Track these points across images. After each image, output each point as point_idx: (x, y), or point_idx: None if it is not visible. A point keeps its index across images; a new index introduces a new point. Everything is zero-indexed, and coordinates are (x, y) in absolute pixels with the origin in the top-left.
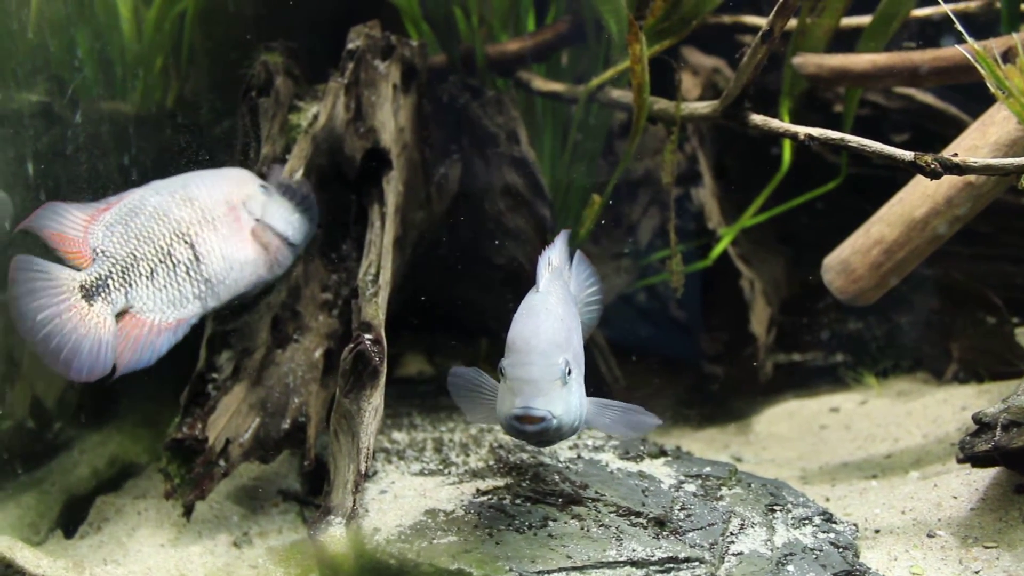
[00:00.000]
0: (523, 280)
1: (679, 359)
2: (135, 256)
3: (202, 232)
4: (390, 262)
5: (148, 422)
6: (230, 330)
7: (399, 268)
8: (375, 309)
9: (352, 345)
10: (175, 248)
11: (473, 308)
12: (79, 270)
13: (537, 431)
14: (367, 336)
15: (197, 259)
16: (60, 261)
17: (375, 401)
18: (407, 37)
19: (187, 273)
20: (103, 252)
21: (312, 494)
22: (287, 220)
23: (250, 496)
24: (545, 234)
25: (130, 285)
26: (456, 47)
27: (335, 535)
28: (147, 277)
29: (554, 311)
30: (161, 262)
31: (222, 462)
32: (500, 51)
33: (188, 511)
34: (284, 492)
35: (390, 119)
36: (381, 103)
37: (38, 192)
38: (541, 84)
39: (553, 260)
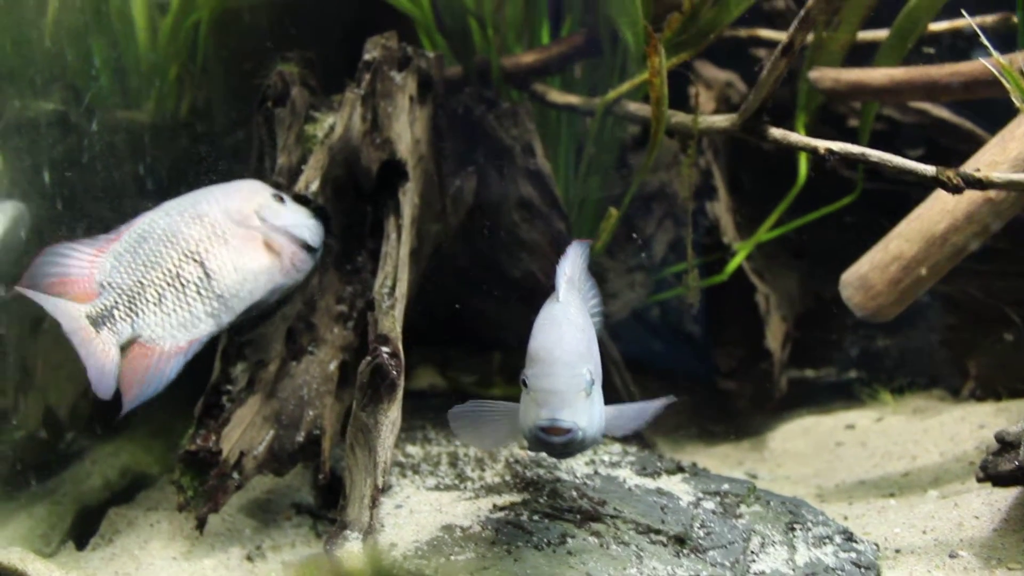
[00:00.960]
0: (538, 293)
1: (693, 374)
2: (141, 284)
3: (212, 248)
4: (406, 274)
5: (160, 433)
6: (245, 342)
7: (414, 281)
8: (392, 322)
9: (369, 358)
10: (184, 269)
11: (487, 321)
12: None
13: (563, 442)
14: (384, 349)
15: (208, 276)
16: None
17: (392, 415)
18: (421, 48)
19: (198, 292)
20: (109, 284)
21: (325, 507)
22: (303, 224)
23: (263, 509)
24: (560, 247)
25: (136, 315)
26: (471, 59)
27: (352, 550)
28: (155, 304)
29: (575, 321)
30: (169, 285)
31: (236, 475)
32: (515, 63)
33: (201, 524)
34: (297, 505)
35: (406, 130)
36: (397, 114)
37: (54, 201)
38: (557, 96)
39: (568, 270)
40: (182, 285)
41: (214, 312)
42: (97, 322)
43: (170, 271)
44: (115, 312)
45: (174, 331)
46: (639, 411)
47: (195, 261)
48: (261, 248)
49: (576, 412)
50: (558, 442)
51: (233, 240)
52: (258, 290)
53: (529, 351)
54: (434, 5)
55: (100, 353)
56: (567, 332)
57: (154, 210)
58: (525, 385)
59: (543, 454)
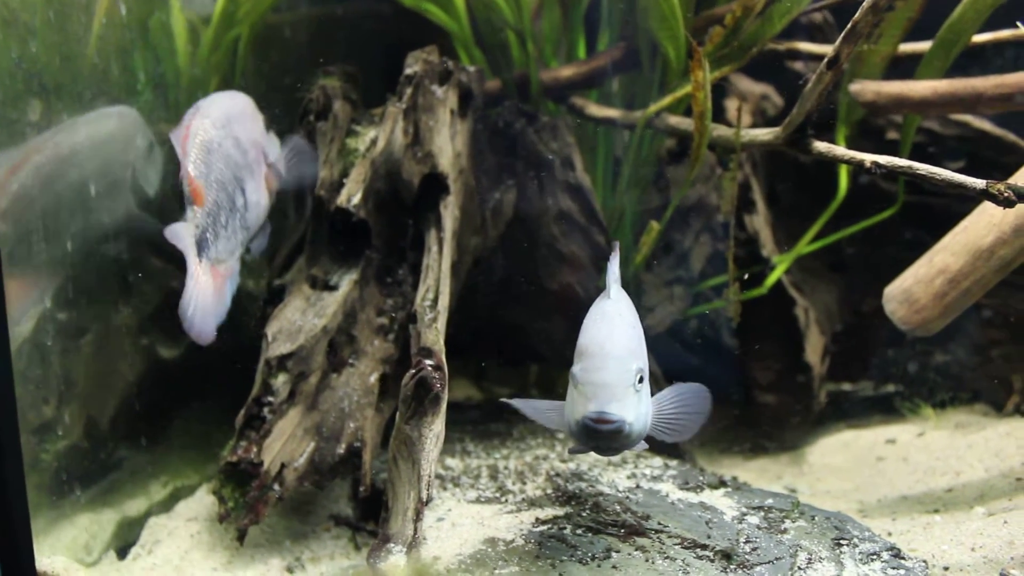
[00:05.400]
0: (576, 306)
1: (730, 388)
2: (218, 204)
3: (247, 178)
4: (448, 287)
5: (199, 443)
6: (287, 354)
7: (454, 293)
8: (435, 335)
9: (413, 371)
10: (236, 195)
11: (524, 333)
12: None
13: (610, 435)
14: (428, 362)
15: (245, 206)
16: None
17: (436, 428)
18: (458, 62)
19: (240, 220)
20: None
21: (364, 519)
22: (281, 158)
23: (302, 521)
24: (600, 260)
25: (217, 236)
26: (509, 72)
27: (396, 563)
28: (223, 227)
29: (627, 318)
30: (232, 210)
31: (277, 486)
32: (554, 76)
33: (242, 535)
34: (336, 517)
35: (448, 144)
36: (439, 128)
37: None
38: (595, 110)
39: (615, 270)
40: (235, 211)
41: (240, 243)
42: (200, 248)
43: (230, 193)
44: (208, 235)
45: (228, 256)
46: (681, 407)
47: (240, 189)
48: (263, 184)
49: (624, 406)
50: (605, 431)
51: (257, 173)
52: (254, 228)
53: (579, 346)
54: (472, 19)
55: (207, 285)
56: (618, 328)
57: (199, 115)
58: (574, 379)
59: (583, 467)
